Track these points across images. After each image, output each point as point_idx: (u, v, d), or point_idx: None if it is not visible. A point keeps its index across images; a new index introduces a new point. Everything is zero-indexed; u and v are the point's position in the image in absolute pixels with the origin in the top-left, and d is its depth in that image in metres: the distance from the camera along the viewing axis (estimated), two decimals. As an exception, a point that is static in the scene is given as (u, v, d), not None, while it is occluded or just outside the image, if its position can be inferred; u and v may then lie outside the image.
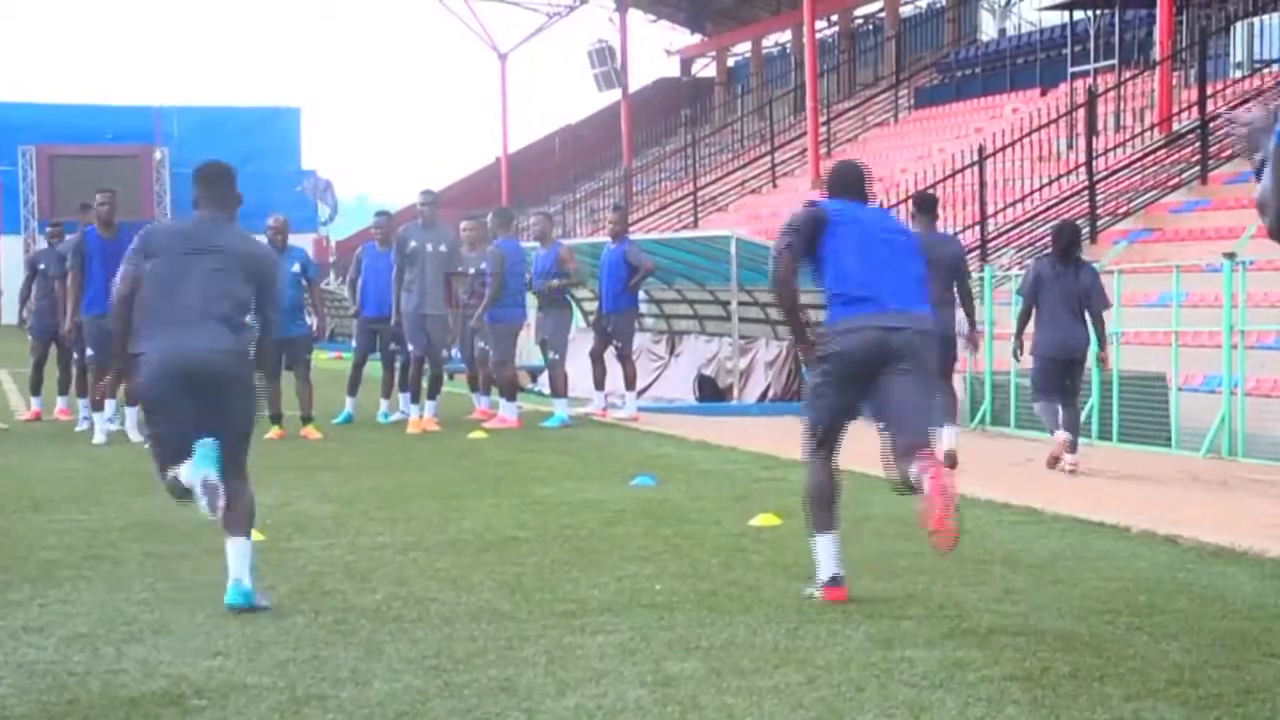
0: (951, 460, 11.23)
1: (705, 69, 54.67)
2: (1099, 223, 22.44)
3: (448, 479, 11.07)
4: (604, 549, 7.90)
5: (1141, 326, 15.41)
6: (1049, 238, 12.27)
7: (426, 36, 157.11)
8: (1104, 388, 14.43)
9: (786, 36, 48.08)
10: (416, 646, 5.70)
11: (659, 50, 55.24)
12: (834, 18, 44.57)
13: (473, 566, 7.39)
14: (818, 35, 37.59)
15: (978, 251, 23.34)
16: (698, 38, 53.42)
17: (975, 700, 4.92)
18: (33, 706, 4.95)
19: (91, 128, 49.29)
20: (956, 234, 24.09)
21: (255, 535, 8.17)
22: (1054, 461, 11.74)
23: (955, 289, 11.82)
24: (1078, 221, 22.69)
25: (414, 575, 7.17)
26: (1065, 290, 11.84)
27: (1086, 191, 22.85)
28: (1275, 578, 6.85)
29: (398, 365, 16.07)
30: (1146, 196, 22.83)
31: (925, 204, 12.35)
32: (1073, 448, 11.81)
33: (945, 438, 11.40)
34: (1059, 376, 11.92)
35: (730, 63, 52.87)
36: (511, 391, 15.76)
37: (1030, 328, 12.16)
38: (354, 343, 17.17)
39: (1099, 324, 12.09)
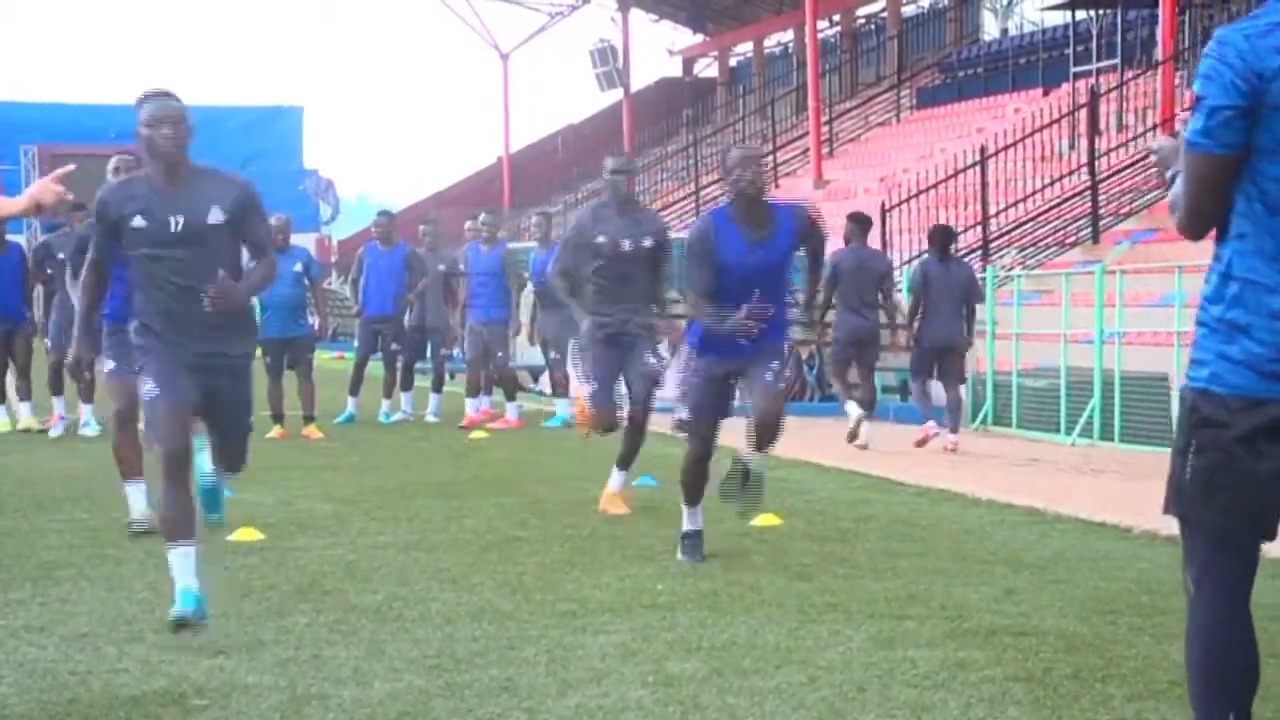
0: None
1: (707, 69, 54.66)
2: (1101, 223, 22.45)
3: (449, 478, 11.06)
4: (606, 549, 7.90)
5: (1144, 327, 15.41)
6: (929, 237, 14.14)
7: (428, 36, 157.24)
8: (1106, 388, 14.44)
9: (788, 36, 48.06)
10: (418, 646, 5.69)
11: (661, 50, 55.28)
12: (836, 17, 44.56)
13: (474, 566, 7.39)
14: (819, 35, 37.58)
15: (979, 252, 23.35)
16: (699, 37, 53.42)
17: (977, 701, 4.91)
18: (33, 705, 4.94)
19: (94, 127, 49.25)
20: (958, 232, 24.10)
21: (256, 534, 8.19)
22: (922, 443, 13.16)
23: (881, 296, 13.94)
24: (1080, 222, 22.80)
25: (415, 575, 7.16)
26: (949, 285, 13.47)
27: (1089, 191, 22.86)
28: (1277, 577, 6.84)
29: (399, 365, 16.10)
30: (1149, 196, 22.81)
31: (863, 222, 14.08)
32: (954, 428, 13.45)
33: (862, 431, 13.31)
34: (934, 362, 13.57)
35: (732, 62, 52.87)
36: (512, 391, 15.78)
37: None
38: (356, 342, 17.14)
39: (974, 315, 13.88)
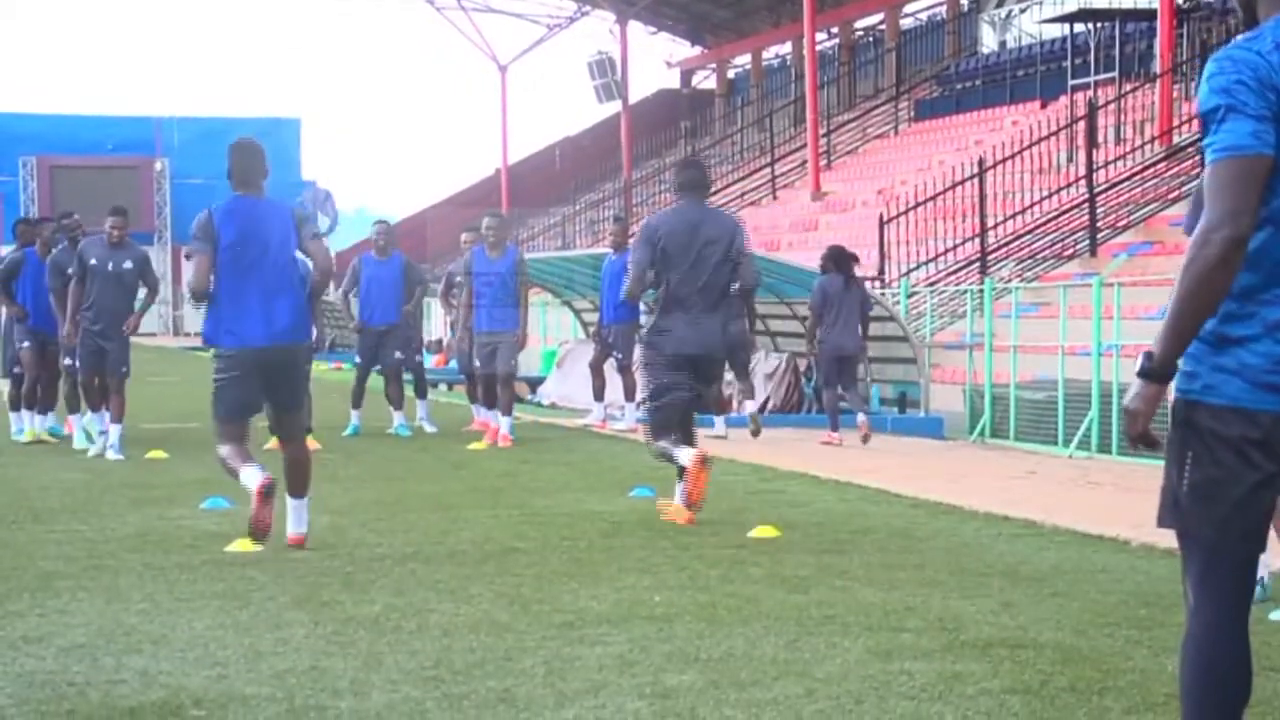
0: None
1: (705, 81, 54.77)
2: (1099, 235, 22.47)
3: (447, 490, 11.06)
4: (603, 560, 7.89)
5: (1142, 339, 15.39)
6: (829, 259, 15.47)
7: (426, 48, 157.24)
8: (1103, 401, 14.45)
9: (786, 48, 48.16)
10: (415, 657, 5.69)
11: (659, 62, 55.47)
12: (834, 30, 44.64)
13: (472, 577, 7.39)
14: (818, 47, 37.65)
15: (978, 264, 23.36)
16: (698, 49, 53.52)
17: (974, 713, 4.92)
18: (32, 716, 4.94)
19: (92, 139, 49.40)
20: (956, 245, 24.15)
21: (254, 545, 8.17)
22: (827, 444, 14.79)
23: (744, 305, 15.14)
24: (1078, 234, 22.83)
25: (413, 586, 7.16)
26: (850, 302, 15.17)
27: (1086, 204, 22.89)
28: (1275, 593, 6.84)
29: (403, 376, 15.96)
30: (1147, 209, 22.88)
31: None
32: (865, 413, 15.11)
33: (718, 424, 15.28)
34: (840, 370, 15.26)
35: (730, 74, 52.97)
36: (508, 405, 15.37)
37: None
38: (357, 355, 16.69)
39: (867, 328, 15.67)
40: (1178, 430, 3.51)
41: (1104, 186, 23.39)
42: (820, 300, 15.17)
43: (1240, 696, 3.54)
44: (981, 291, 17.98)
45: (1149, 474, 12.66)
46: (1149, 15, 27.20)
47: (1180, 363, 3.47)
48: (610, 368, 16.66)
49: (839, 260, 15.40)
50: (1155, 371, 3.45)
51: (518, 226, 46.98)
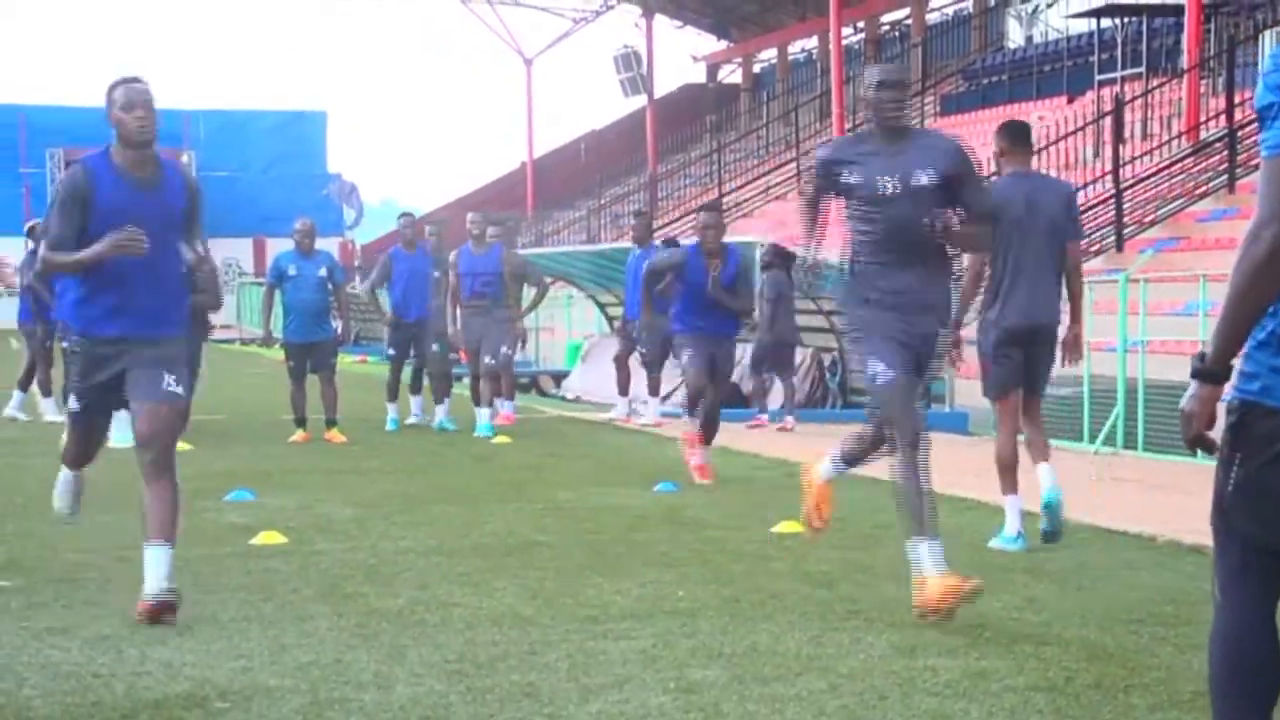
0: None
1: (731, 75, 54.68)
2: (1125, 231, 22.36)
3: (470, 483, 11.08)
4: (627, 555, 7.90)
5: (1168, 335, 15.35)
6: (775, 256, 16.72)
7: (452, 41, 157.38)
8: (1129, 397, 14.39)
9: (812, 43, 48.06)
10: (439, 650, 5.70)
11: (685, 56, 55.64)
12: (860, 24, 44.54)
13: (495, 571, 7.40)
14: (844, 42, 37.55)
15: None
16: (723, 44, 53.46)
17: (998, 710, 4.90)
18: (57, 708, 4.96)
19: (119, 131, 49.49)
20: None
21: (279, 538, 8.20)
22: (755, 427, 15.90)
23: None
24: (1104, 230, 22.72)
25: (436, 579, 7.17)
26: (791, 296, 16.64)
27: (1113, 200, 22.78)
28: None
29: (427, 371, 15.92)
30: (1173, 205, 22.76)
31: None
32: (791, 410, 16.49)
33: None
34: (782, 358, 16.84)
35: (756, 69, 52.87)
36: (509, 391, 16.25)
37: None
38: (390, 350, 16.40)
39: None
40: (1230, 429, 3.48)
41: (1130, 182, 23.28)
42: (776, 295, 16.43)
43: (1272, 689, 3.53)
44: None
45: (1174, 471, 12.62)
46: (1176, 10, 27.06)
47: (1242, 363, 3.44)
48: (634, 362, 16.67)
49: (784, 256, 16.50)
50: (1208, 371, 3.41)
51: (543, 220, 47.02)
